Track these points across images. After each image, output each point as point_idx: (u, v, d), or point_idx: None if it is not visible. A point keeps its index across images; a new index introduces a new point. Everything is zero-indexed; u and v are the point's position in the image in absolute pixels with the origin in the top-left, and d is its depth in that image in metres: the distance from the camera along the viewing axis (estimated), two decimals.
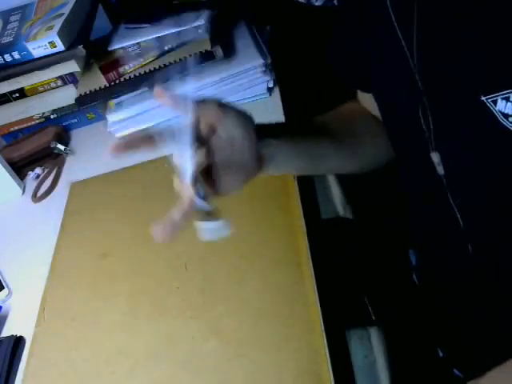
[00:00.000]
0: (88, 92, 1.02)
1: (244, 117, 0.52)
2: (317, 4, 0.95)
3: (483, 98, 0.44)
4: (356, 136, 0.67)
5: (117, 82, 1.02)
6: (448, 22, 0.45)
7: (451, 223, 0.56)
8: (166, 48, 1.02)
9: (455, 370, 0.73)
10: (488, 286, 0.59)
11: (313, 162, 0.64)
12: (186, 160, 0.49)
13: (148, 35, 1.04)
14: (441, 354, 0.77)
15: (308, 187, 0.90)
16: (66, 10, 1.04)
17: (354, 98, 0.73)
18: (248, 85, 1.02)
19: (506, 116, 0.43)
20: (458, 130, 0.49)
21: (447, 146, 0.51)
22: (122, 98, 1.05)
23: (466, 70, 0.45)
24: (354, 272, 0.91)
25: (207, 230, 0.52)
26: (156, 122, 1.06)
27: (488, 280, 0.59)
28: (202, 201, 0.50)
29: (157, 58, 1.02)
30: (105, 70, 1.01)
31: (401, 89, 0.53)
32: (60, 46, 0.97)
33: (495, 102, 0.43)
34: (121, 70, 1.02)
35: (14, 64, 1.00)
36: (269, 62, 1.02)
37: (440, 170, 0.53)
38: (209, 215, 0.51)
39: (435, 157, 0.53)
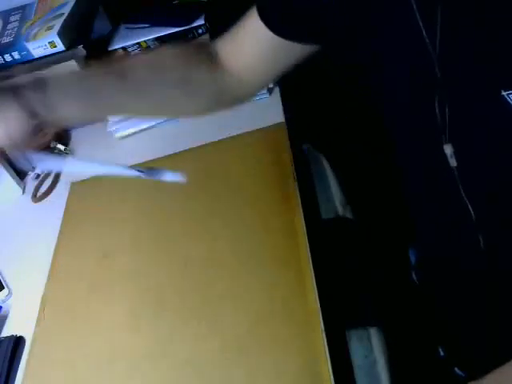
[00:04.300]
0: None
1: None
2: None
3: (504, 93, 0.44)
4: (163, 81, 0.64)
5: None
6: (471, 17, 0.44)
7: (462, 216, 0.56)
8: None
9: (456, 369, 0.73)
10: (493, 283, 0.59)
11: (92, 98, 0.61)
12: None
13: (148, 35, 1.04)
14: (442, 354, 0.77)
15: (308, 187, 0.90)
16: (66, 10, 1.04)
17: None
18: None
19: None
20: (474, 123, 0.49)
21: (462, 138, 0.51)
22: None
23: (487, 64, 0.45)
24: (353, 272, 0.91)
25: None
26: (156, 122, 1.06)
27: (494, 277, 0.59)
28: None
29: None
30: None
31: (417, 79, 0.53)
32: (60, 46, 0.97)
33: None
34: None
35: (14, 64, 1.00)
36: None
37: (452, 162, 0.53)
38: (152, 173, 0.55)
39: (448, 149, 0.52)
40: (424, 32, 0.48)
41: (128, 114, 0.66)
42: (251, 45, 0.64)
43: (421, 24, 0.48)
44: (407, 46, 0.52)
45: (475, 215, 0.55)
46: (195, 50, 0.67)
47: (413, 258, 0.82)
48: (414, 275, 0.82)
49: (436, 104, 0.51)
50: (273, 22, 0.60)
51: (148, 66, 0.64)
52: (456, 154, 0.52)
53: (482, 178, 0.53)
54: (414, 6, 0.48)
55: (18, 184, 1.03)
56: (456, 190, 0.55)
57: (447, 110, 0.50)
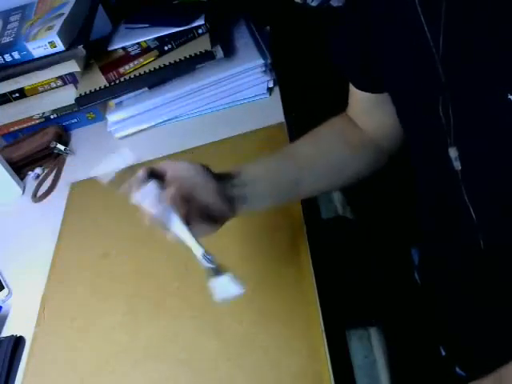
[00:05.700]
0: (88, 92, 1.02)
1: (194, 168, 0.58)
2: (313, 4, 0.95)
3: (510, 97, 0.43)
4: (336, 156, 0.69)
5: (117, 81, 1.02)
6: (476, 20, 0.44)
7: (464, 218, 0.56)
8: (166, 48, 1.02)
9: (457, 369, 0.73)
10: (493, 283, 0.60)
11: (289, 192, 0.66)
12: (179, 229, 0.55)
13: (148, 35, 1.04)
14: (443, 353, 0.77)
15: None
16: (66, 10, 1.04)
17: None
18: (248, 85, 1.02)
19: None
20: (480, 127, 0.49)
21: (467, 141, 0.51)
22: (122, 98, 1.05)
23: (493, 67, 0.44)
24: (353, 272, 0.91)
25: (219, 287, 0.54)
26: (156, 122, 1.06)
27: (494, 277, 0.59)
28: (208, 259, 0.55)
29: (157, 58, 1.02)
30: (105, 70, 1.01)
31: (421, 82, 0.53)
32: (60, 46, 0.97)
33: None
34: (121, 70, 1.02)
35: (14, 64, 1.00)
36: (269, 62, 1.02)
37: (457, 165, 0.53)
38: (216, 271, 0.55)
39: (453, 152, 0.52)
40: (428, 34, 0.48)
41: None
42: (361, 107, 0.69)
43: (425, 28, 0.48)
44: (410, 48, 0.52)
45: (476, 218, 0.55)
46: (341, 122, 0.71)
47: (415, 258, 0.82)
48: (416, 275, 0.82)
49: (440, 107, 0.51)
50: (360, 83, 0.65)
51: (320, 154, 0.67)
52: (460, 157, 0.52)
53: (485, 181, 0.52)
54: (419, 9, 0.48)
55: (18, 184, 1.03)
56: (459, 193, 0.55)
57: (451, 113, 0.50)
